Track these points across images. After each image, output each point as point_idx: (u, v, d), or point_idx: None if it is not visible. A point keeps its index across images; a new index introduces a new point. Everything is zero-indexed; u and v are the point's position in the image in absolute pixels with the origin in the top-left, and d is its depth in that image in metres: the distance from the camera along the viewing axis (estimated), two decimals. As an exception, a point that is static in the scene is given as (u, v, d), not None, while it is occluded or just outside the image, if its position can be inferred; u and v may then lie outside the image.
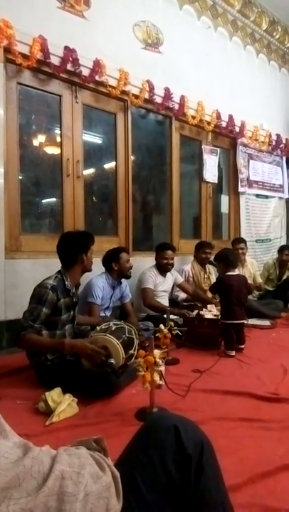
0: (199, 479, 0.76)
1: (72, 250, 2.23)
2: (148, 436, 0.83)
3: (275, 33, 5.50)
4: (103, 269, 3.07)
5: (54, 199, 3.57)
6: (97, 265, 2.83)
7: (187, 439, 0.79)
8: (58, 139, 3.44)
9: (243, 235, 5.02)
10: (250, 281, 4.28)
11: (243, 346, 2.85)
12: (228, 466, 1.28)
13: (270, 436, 1.57)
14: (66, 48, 3.20)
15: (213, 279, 4.01)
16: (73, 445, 0.73)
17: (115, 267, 3.02)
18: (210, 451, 0.82)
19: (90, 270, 2.37)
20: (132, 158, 3.99)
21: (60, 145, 3.43)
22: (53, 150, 3.47)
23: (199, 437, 0.83)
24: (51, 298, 2.04)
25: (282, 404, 1.88)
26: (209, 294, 3.81)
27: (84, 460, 0.63)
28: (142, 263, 3.63)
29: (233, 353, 2.73)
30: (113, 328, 1.95)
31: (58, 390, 1.83)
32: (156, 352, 1.68)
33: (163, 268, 3.50)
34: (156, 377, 1.66)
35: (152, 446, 0.79)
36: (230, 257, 3.01)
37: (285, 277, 4.70)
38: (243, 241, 4.43)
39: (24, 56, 2.96)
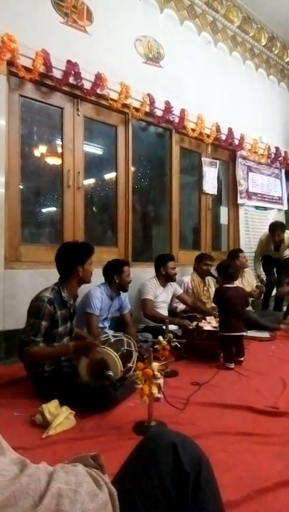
0: (197, 497, 0.76)
1: (69, 261, 2.22)
2: (146, 453, 0.83)
3: (274, 49, 5.60)
4: (102, 280, 3.07)
5: (54, 209, 3.59)
6: (97, 275, 2.84)
7: (185, 456, 0.78)
8: (59, 151, 3.48)
9: (242, 247, 5.04)
10: (249, 290, 4.31)
11: (242, 359, 2.83)
12: (226, 482, 1.27)
13: (269, 451, 1.55)
14: (68, 61, 3.26)
15: (213, 291, 4.00)
16: (70, 462, 0.72)
17: (116, 279, 3.01)
18: (208, 469, 0.81)
19: (88, 282, 2.34)
20: (132, 169, 4.03)
21: (61, 156, 3.46)
22: (54, 161, 3.50)
23: (197, 455, 0.82)
24: (49, 311, 2.04)
25: (282, 418, 1.86)
26: (208, 306, 3.82)
27: (81, 478, 0.62)
28: (142, 273, 3.63)
29: (232, 365, 2.72)
30: (112, 341, 1.95)
31: (55, 403, 1.82)
32: (155, 364, 1.67)
33: (171, 278, 3.53)
34: (155, 390, 1.65)
35: (150, 463, 0.79)
36: (229, 270, 3.00)
37: (281, 248, 4.55)
38: (241, 251, 4.45)
39: (27, 69, 3.01)
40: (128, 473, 0.81)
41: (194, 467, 0.78)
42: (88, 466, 0.69)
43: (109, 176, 4.03)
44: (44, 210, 3.65)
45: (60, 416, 1.72)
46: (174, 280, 3.61)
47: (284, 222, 5.96)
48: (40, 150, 3.44)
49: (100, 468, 0.70)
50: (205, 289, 4.08)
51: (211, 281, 4.14)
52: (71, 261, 2.22)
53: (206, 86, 4.70)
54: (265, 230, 5.12)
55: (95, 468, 0.69)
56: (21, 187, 3.21)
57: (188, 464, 0.77)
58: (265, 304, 4.76)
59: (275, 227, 4.49)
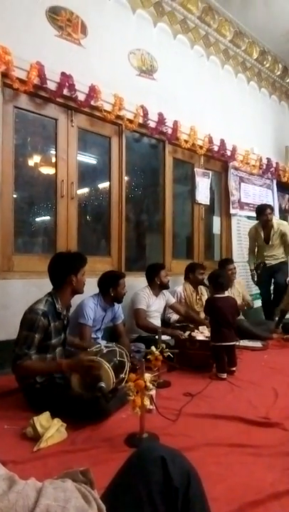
0: None
1: (62, 271, 2.22)
2: (135, 467, 0.83)
3: (265, 62, 5.72)
4: (95, 290, 3.07)
5: (48, 219, 3.60)
6: (90, 285, 2.83)
7: (174, 471, 0.78)
8: (53, 161, 3.50)
9: (234, 256, 5.08)
10: (239, 301, 4.32)
11: (234, 369, 2.83)
12: (218, 495, 1.27)
13: (261, 462, 1.55)
14: (63, 73, 3.30)
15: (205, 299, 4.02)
16: (59, 477, 0.72)
17: (112, 292, 3.00)
18: (197, 483, 0.81)
19: (81, 292, 2.34)
20: (125, 179, 4.06)
21: (55, 167, 3.48)
22: (47, 171, 3.52)
23: (186, 469, 0.82)
24: (43, 324, 2.03)
25: (273, 428, 1.87)
26: (202, 315, 3.82)
27: (70, 494, 0.62)
28: (135, 283, 3.64)
29: (225, 375, 2.72)
30: (104, 351, 1.94)
31: (46, 415, 1.80)
32: (147, 376, 1.67)
33: (164, 286, 3.57)
34: (147, 402, 1.65)
35: (139, 478, 0.79)
36: (219, 280, 3.00)
37: (271, 236, 4.53)
38: (232, 261, 4.47)
39: (21, 81, 3.04)
40: (117, 487, 0.81)
41: (183, 482, 0.78)
42: (77, 481, 0.69)
43: (103, 185, 4.06)
44: (37, 220, 3.65)
45: (51, 428, 1.70)
46: (167, 287, 3.63)
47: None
48: (34, 160, 3.46)
49: (89, 484, 0.70)
50: (198, 298, 4.10)
51: (203, 290, 4.15)
52: (64, 271, 2.22)
53: (199, 98, 4.78)
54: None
55: (85, 484, 0.69)
56: (15, 196, 3.22)
57: (178, 479, 0.78)
58: (268, 315, 4.70)
59: (263, 207, 4.61)
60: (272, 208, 4.64)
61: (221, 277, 3.06)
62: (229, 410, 2.08)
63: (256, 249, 4.77)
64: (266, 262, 4.63)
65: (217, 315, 2.85)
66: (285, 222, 4.84)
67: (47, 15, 3.33)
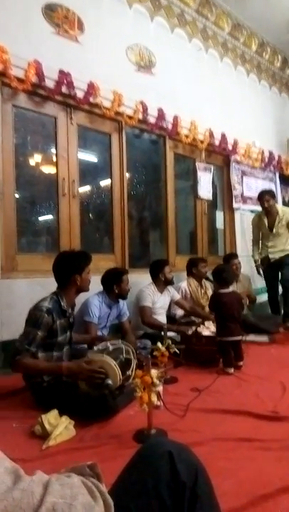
0: (194, 507, 0.75)
1: (66, 271, 2.22)
2: (142, 462, 0.82)
3: (264, 54, 5.67)
4: (99, 287, 3.07)
5: (50, 218, 3.60)
6: (95, 283, 2.83)
7: (181, 465, 0.78)
8: (54, 159, 3.49)
9: (238, 250, 5.05)
10: (244, 295, 4.30)
11: (241, 363, 2.82)
12: (227, 489, 1.27)
13: (270, 456, 1.55)
14: (61, 71, 3.28)
15: (211, 293, 4.01)
16: (67, 470, 0.72)
17: (116, 289, 3.00)
18: (205, 478, 0.81)
19: (86, 290, 2.35)
20: (127, 176, 4.05)
21: (56, 165, 3.47)
22: (48, 170, 3.52)
23: (194, 464, 0.82)
24: (47, 321, 2.03)
25: (282, 422, 1.86)
26: (207, 310, 3.81)
27: (76, 490, 0.62)
28: (139, 280, 3.63)
29: (232, 370, 2.71)
30: (110, 349, 1.94)
31: (54, 413, 1.80)
32: (154, 372, 1.67)
33: (169, 282, 3.55)
34: (154, 398, 1.65)
35: (146, 472, 0.78)
36: (223, 275, 2.98)
37: (276, 224, 4.24)
38: (236, 256, 4.44)
39: (19, 80, 3.03)
40: (124, 482, 0.81)
41: (191, 477, 0.78)
42: (85, 475, 0.69)
43: (104, 183, 4.05)
44: (40, 219, 3.65)
45: (59, 426, 1.70)
46: (172, 283, 3.62)
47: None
48: (34, 159, 3.46)
49: (96, 478, 0.69)
50: (203, 292, 4.09)
51: (208, 285, 4.14)
52: (69, 270, 2.22)
53: (199, 92, 4.75)
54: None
55: (92, 477, 0.69)
56: (17, 196, 3.22)
57: (185, 474, 0.77)
58: (275, 310, 4.50)
59: (261, 194, 4.33)
60: (272, 194, 4.32)
61: (225, 272, 3.04)
62: (237, 405, 2.07)
63: (260, 240, 4.49)
64: (270, 256, 4.34)
65: (223, 310, 2.83)
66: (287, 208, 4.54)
67: (43, 12, 3.31)
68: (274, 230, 4.28)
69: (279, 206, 4.40)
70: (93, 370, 1.80)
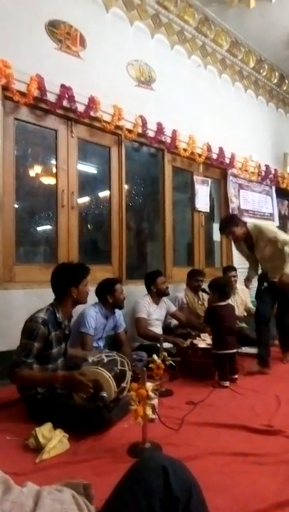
0: None
1: (63, 283, 2.23)
2: (136, 477, 0.83)
3: (262, 71, 5.79)
4: (96, 299, 3.07)
5: (48, 229, 3.62)
6: (92, 294, 2.84)
7: (175, 481, 0.78)
8: (54, 171, 3.53)
9: (235, 263, 5.07)
10: (241, 308, 4.31)
11: (236, 376, 2.83)
12: (221, 504, 1.27)
13: (264, 471, 1.55)
14: (62, 85, 3.34)
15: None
16: (61, 484, 0.72)
17: (110, 299, 3.01)
18: (198, 495, 0.81)
19: (83, 303, 2.35)
20: (125, 187, 4.09)
21: (56, 177, 3.51)
22: (48, 181, 3.55)
23: (188, 480, 0.82)
24: (42, 332, 2.04)
25: (276, 436, 1.86)
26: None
27: (67, 506, 0.63)
28: (136, 291, 3.64)
29: (227, 383, 2.71)
30: (105, 361, 1.95)
31: (48, 426, 1.80)
32: (149, 385, 1.67)
33: (163, 293, 3.54)
34: (149, 411, 1.65)
35: (139, 486, 0.79)
36: (226, 289, 2.97)
37: (256, 247, 3.30)
38: (234, 269, 4.46)
39: (21, 94, 3.08)
40: (118, 497, 0.81)
41: (184, 493, 0.78)
42: (78, 493, 0.70)
43: (103, 194, 4.08)
44: (38, 230, 3.67)
45: (53, 439, 1.70)
46: (167, 294, 3.61)
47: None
48: (34, 170, 3.49)
49: (87, 498, 0.70)
50: (200, 303, 4.10)
51: (205, 296, 4.15)
52: (65, 282, 2.23)
53: (197, 107, 4.83)
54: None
55: (85, 498, 0.69)
56: (16, 207, 3.24)
57: (179, 489, 0.78)
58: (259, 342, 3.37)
59: (220, 229, 3.54)
60: (227, 222, 3.43)
61: (227, 286, 3.02)
62: (232, 418, 2.08)
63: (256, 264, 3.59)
64: (268, 275, 3.38)
65: (221, 323, 2.84)
66: (261, 222, 3.64)
67: (46, 28, 3.39)
68: (258, 255, 3.35)
69: (250, 224, 3.35)
70: (87, 380, 1.80)
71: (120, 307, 3.11)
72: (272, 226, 3.41)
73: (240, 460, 1.63)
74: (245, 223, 3.36)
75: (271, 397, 2.45)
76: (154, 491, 0.77)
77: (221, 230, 3.50)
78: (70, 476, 1.38)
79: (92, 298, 2.99)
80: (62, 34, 3.49)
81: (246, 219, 5.46)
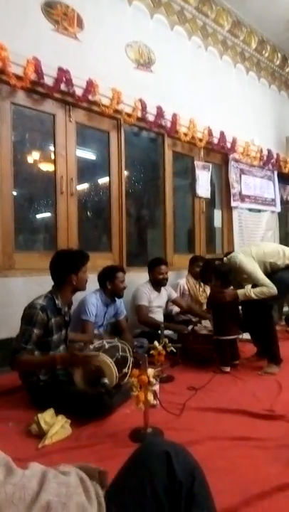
0: (190, 507, 0.76)
1: (62, 270, 2.21)
2: (139, 462, 0.83)
3: (264, 52, 5.65)
4: (97, 286, 3.06)
5: (48, 216, 3.59)
6: (92, 282, 2.83)
7: (178, 465, 0.79)
8: (52, 157, 3.48)
9: (236, 249, 5.05)
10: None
11: (237, 362, 2.84)
12: (223, 488, 1.28)
13: (266, 455, 1.56)
14: (60, 68, 3.27)
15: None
16: (76, 466, 0.72)
17: (109, 285, 3.00)
18: (201, 479, 0.82)
19: (82, 289, 2.34)
20: (125, 174, 4.04)
21: (54, 163, 3.46)
22: (46, 168, 3.50)
23: (191, 465, 0.82)
24: (41, 318, 2.03)
25: (278, 421, 1.87)
26: (205, 308, 3.82)
27: (72, 490, 0.62)
28: (137, 278, 3.63)
29: (228, 369, 2.72)
30: (106, 347, 1.95)
31: (50, 412, 1.81)
32: (150, 371, 1.67)
33: (159, 283, 3.50)
34: (150, 397, 1.66)
35: (143, 471, 0.79)
36: (230, 277, 2.92)
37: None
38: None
39: (18, 77, 3.01)
40: (121, 482, 0.81)
41: (188, 477, 0.78)
42: (92, 479, 0.69)
43: (103, 180, 4.04)
44: (37, 217, 3.64)
45: (55, 425, 1.71)
46: (163, 285, 3.56)
47: (277, 222, 6.02)
48: (32, 157, 3.44)
49: (100, 484, 0.70)
50: (201, 289, 4.09)
51: (206, 283, 4.15)
52: (64, 269, 2.21)
53: (198, 90, 4.73)
54: (259, 232, 5.03)
55: (98, 483, 0.69)
56: (14, 194, 3.20)
57: (182, 473, 0.78)
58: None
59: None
60: (211, 272, 3.06)
61: (231, 274, 2.94)
62: (233, 404, 2.09)
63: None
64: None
65: (223, 308, 2.83)
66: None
67: (42, 9, 3.29)
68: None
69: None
70: (86, 355, 1.81)
71: (119, 296, 3.09)
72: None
73: (241, 444, 1.65)
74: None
75: (272, 382, 2.46)
76: (158, 476, 0.77)
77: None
78: (73, 461, 1.38)
79: (93, 285, 2.99)
80: (59, 15, 3.40)
81: (247, 205, 5.44)
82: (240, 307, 3.00)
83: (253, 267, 2.80)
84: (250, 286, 2.88)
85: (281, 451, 1.58)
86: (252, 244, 3.24)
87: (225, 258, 3.05)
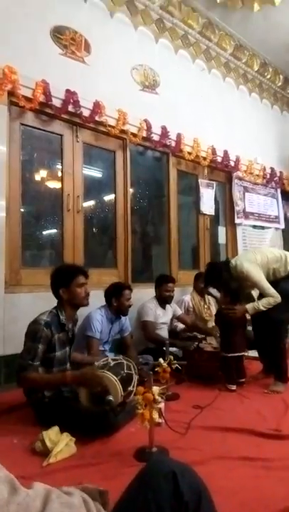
0: None
1: (54, 284, 2.23)
2: (145, 481, 0.82)
3: (266, 74, 5.79)
4: (102, 302, 3.07)
5: (54, 233, 3.64)
6: (96, 298, 2.85)
7: (185, 485, 0.78)
8: (59, 175, 3.56)
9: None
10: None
11: (243, 380, 2.81)
12: (229, 510, 1.26)
13: (272, 476, 1.54)
14: (67, 90, 3.37)
15: (214, 309, 4.00)
16: (77, 488, 0.72)
17: (115, 302, 3.01)
18: (208, 499, 0.81)
19: (80, 304, 2.27)
20: (130, 191, 4.10)
21: (61, 181, 3.54)
22: (54, 185, 3.58)
23: (197, 485, 0.82)
24: (46, 334, 2.04)
25: (284, 441, 1.85)
26: (209, 324, 3.80)
27: (75, 510, 0.63)
28: (142, 294, 3.63)
29: (234, 387, 2.69)
30: (111, 364, 1.94)
31: (55, 429, 1.80)
32: (155, 389, 1.67)
33: (165, 300, 3.52)
34: (156, 415, 1.65)
35: (149, 491, 0.79)
36: (238, 292, 2.91)
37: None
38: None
39: (27, 99, 3.11)
40: (127, 501, 0.81)
41: (194, 496, 0.78)
42: (94, 499, 0.69)
43: (108, 198, 4.10)
44: (44, 234, 3.69)
45: (60, 443, 1.70)
46: (169, 302, 3.58)
47: (281, 239, 6.04)
48: (40, 175, 3.52)
49: (102, 505, 0.70)
50: (206, 307, 4.08)
51: (211, 300, 4.14)
52: (55, 283, 2.23)
53: (202, 111, 4.84)
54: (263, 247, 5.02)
55: (100, 504, 0.69)
56: (22, 211, 3.26)
57: (188, 493, 0.77)
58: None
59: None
60: (209, 278, 3.13)
61: (240, 290, 2.94)
62: (239, 423, 2.06)
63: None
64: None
65: (231, 325, 2.82)
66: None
67: (51, 35, 3.43)
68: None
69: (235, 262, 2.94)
70: (96, 375, 1.81)
71: (124, 314, 3.09)
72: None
73: (247, 465, 1.62)
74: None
75: (278, 400, 2.44)
76: (164, 496, 0.77)
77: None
78: (77, 480, 1.38)
79: (99, 301, 3.00)
80: (67, 40, 3.53)
81: (251, 222, 5.47)
82: (249, 326, 3.00)
83: (259, 277, 2.81)
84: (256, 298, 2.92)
85: (287, 472, 1.56)
86: (256, 250, 3.20)
87: (231, 262, 2.97)
